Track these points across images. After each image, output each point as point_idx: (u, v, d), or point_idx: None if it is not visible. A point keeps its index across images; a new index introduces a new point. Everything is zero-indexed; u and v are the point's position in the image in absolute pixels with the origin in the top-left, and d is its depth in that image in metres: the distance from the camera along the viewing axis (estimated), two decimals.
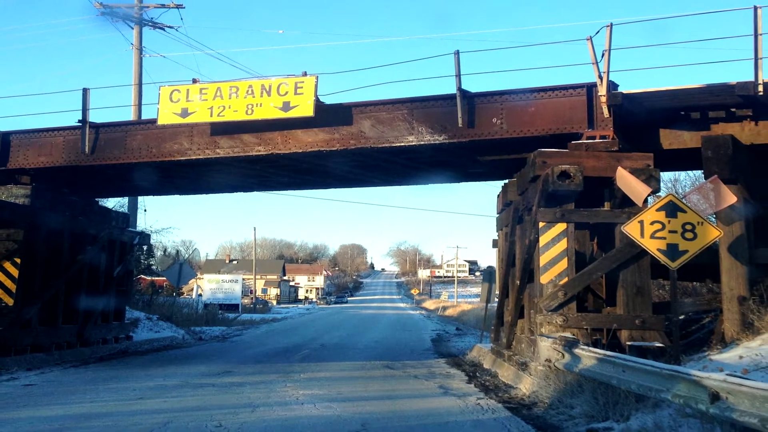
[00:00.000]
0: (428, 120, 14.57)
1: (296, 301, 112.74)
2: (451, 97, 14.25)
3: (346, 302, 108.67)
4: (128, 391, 12.15)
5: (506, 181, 17.02)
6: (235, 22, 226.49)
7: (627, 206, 12.31)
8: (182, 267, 30.57)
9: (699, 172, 17.78)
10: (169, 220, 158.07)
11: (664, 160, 13.42)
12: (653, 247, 10.70)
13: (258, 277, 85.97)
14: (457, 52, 13.91)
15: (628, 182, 12.12)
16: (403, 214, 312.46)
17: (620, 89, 13.06)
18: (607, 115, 13.08)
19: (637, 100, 12.93)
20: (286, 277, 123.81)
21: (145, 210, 36.94)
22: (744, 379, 6.10)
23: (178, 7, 30.39)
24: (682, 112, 13.28)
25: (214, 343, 26.11)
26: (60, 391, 12.39)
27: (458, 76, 13.99)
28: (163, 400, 11.28)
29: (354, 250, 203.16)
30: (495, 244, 19.09)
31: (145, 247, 36.19)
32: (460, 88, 14.00)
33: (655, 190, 12.52)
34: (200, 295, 55.08)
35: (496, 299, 19.05)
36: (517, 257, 15.02)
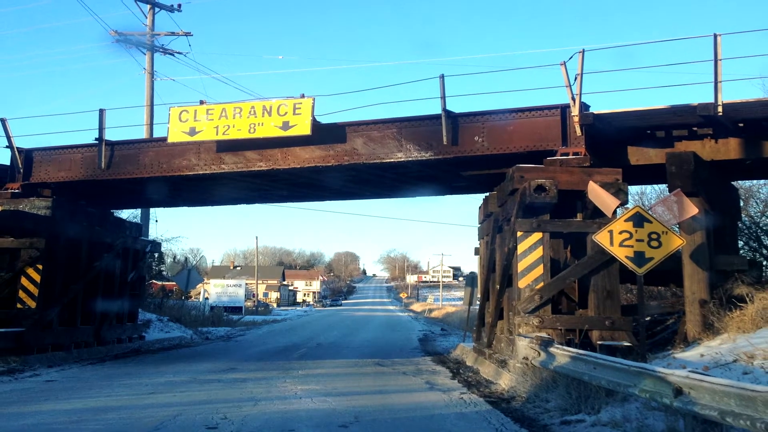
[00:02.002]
0: (416, 138, 14.60)
1: (295, 304, 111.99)
2: (436, 117, 14.27)
3: (341, 305, 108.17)
4: (141, 387, 12.09)
5: (487, 193, 17.03)
6: (239, 48, 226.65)
7: (598, 217, 12.33)
8: (190, 273, 30.45)
9: (663, 186, 17.81)
10: (178, 230, 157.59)
11: (631, 174, 13.48)
12: (622, 254, 10.73)
13: (260, 281, 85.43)
14: (442, 76, 13.96)
15: (598, 195, 12.15)
16: (393, 224, 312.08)
17: (591, 110, 13.13)
18: (580, 134, 13.14)
19: (607, 119, 12.99)
20: (285, 282, 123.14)
21: (156, 220, 36.76)
22: (705, 375, 6.11)
23: (187, 34, 30.43)
24: (648, 131, 13.35)
25: (220, 342, 25.99)
26: (78, 386, 12.32)
27: (443, 97, 14.03)
28: (173, 394, 11.21)
29: (348, 257, 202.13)
30: (477, 251, 19.08)
31: (156, 255, 36.17)
32: (444, 109, 14.04)
33: (624, 202, 12.56)
34: (207, 298, 54.87)
35: (478, 302, 19.03)
36: (497, 264, 15.03)
